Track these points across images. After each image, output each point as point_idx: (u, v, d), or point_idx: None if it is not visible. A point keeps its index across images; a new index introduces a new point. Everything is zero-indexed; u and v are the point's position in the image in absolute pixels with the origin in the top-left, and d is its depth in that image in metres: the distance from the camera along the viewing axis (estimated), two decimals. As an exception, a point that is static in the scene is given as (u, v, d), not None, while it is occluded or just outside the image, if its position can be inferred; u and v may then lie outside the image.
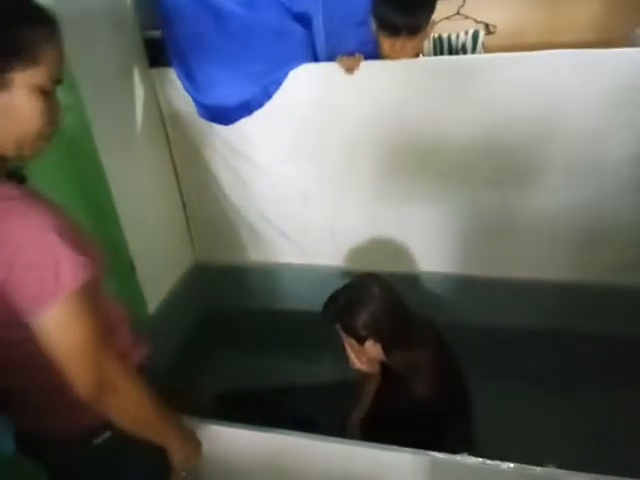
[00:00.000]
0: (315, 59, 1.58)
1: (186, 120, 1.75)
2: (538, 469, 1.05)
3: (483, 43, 1.95)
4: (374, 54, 1.53)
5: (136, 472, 0.97)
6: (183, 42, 1.60)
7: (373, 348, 1.23)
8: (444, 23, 2.07)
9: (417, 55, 1.57)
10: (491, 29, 2.07)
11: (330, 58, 1.55)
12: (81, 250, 0.72)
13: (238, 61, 1.57)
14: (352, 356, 1.30)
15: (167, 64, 1.66)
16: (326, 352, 1.35)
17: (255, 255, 2.01)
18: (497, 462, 1.07)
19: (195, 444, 1.05)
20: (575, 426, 1.59)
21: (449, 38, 1.98)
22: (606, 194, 1.57)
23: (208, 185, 1.89)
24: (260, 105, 1.65)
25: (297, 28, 1.54)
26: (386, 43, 1.47)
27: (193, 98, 1.67)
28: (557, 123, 1.49)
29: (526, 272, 1.76)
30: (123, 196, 1.50)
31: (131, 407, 0.83)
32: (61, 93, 0.76)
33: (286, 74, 1.59)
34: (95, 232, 1.39)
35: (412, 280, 1.87)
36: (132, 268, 1.56)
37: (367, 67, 1.51)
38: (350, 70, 1.52)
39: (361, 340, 1.23)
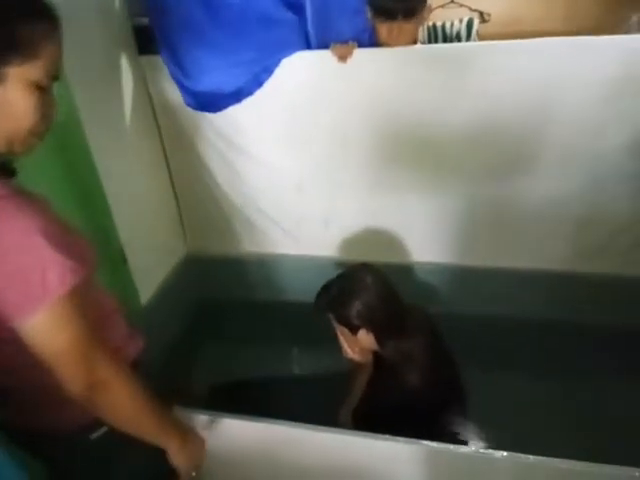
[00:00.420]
0: (308, 47, 1.56)
1: (177, 109, 1.73)
2: (531, 457, 1.05)
3: (477, 31, 1.94)
4: (368, 42, 1.51)
5: (137, 465, 0.96)
6: (172, 29, 1.57)
7: (366, 338, 1.23)
8: (438, 11, 2.05)
9: (414, 41, 1.56)
10: (485, 17, 2.06)
11: (323, 46, 1.53)
12: (70, 253, 0.70)
13: (229, 49, 1.54)
14: (345, 346, 1.30)
15: (157, 52, 1.63)
16: (320, 342, 1.34)
17: (248, 246, 2.00)
18: (491, 451, 1.07)
19: (197, 443, 1.03)
20: (571, 414, 1.60)
21: (443, 26, 1.96)
22: (602, 183, 1.57)
23: (200, 175, 1.87)
24: (250, 93, 1.63)
25: (289, 15, 1.51)
26: (383, 29, 1.46)
27: (180, 85, 1.64)
28: (553, 111, 1.49)
29: (521, 262, 1.77)
30: (114, 187, 1.49)
31: (124, 406, 0.81)
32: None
33: (278, 62, 1.57)
34: (86, 224, 1.38)
35: (407, 270, 1.87)
36: (123, 260, 1.55)
37: (361, 55, 1.50)
38: (343, 58, 1.50)
39: (354, 330, 1.23)
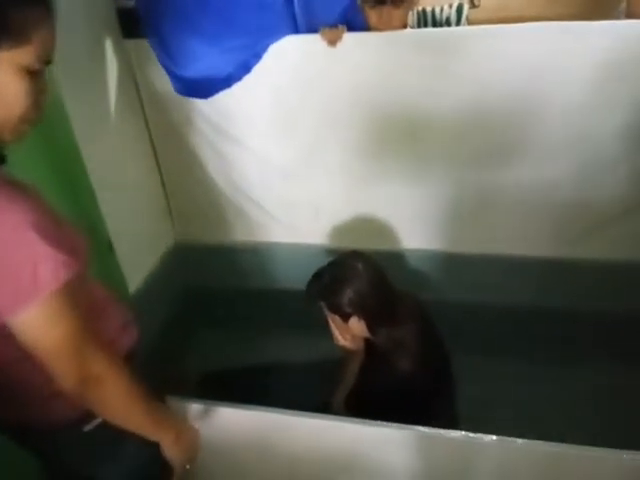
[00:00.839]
0: (296, 31, 1.53)
1: (164, 95, 1.70)
2: (520, 441, 1.07)
3: (467, 17, 1.92)
4: (358, 26, 1.49)
5: (136, 453, 0.95)
6: (159, 14, 1.53)
7: (357, 325, 1.23)
8: (428, -4, 2.03)
9: (404, 26, 1.54)
10: (475, 2, 2.04)
11: (312, 30, 1.51)
12: (62, 246, 0.69)
13: (217, 34, 1.52)
14: (337, 333, 1.30)
15: (142, 35, 1.59)
16: (311, 330, 1.35)
17: (237, 234, 1.99)
18: (480, 435, 1.08)
19: (191, 435, 1.02)
20: (559, 399, 1.63)
21: (433, 11, 1.94)
22: (590, 168, 1.58)
23: (188, 162, 1.84)
24: (239, 79, 1.61)
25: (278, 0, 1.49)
26: (373, 14, 1.45)
27: (169, 71, 1.62)
28: (541, 97, 1.49)
29: (510, 249, 1.78)
30: (100, 175, 1.46)
31: (117, 401, 0.81)
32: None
33: (266, 47, 1.54)
34: (72, 213, 1.35)
35: (396, 257, 1.87)
36: (111, 248, 1.53)
37: (350, 39, 1.48)
38: (332, 42, 1.48)
39: (345, 317, 1.23)
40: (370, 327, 1.24)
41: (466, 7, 1.92)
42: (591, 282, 1.74)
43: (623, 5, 1.69)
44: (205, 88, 1.63)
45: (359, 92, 1.57)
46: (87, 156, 1.40)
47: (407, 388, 1.21)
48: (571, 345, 1.75)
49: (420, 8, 1.93)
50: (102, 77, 1.56)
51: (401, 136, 1.63)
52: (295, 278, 1.87)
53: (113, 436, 0.89)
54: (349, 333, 1.28)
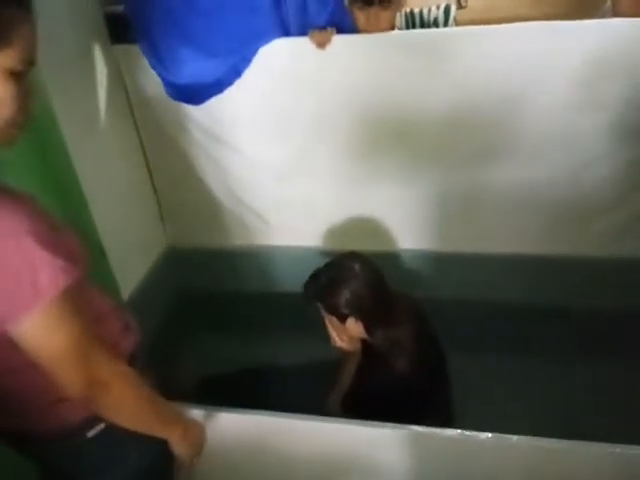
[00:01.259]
0: (285, 34, 1.54)
1: (154, 100, 1.69)
2: (515, 438, 1.08)
3: (455, 18, 1.93)
4: (347, 28, 1.50)
5: (139, 458, 0.94)
6: (149, 19, 1.53)
7: (355, 326, 1.23)
8: (416, -3, 2.04)
9: (392, 27, 1.55)
10: (462, 3, 2.06)
11: (301, 33, 1.51)
12: (61, 252, 0.68)
13: (205, 38, 1.51)
14: (334, 334, 1.30)
15: (131, 41, 1.59)
16: (306, 333, 1.35)
17: (230, 237, 1.98)
18: (475, 432, 1.09)
19: (197, 430, 1.02)
20: (552, 395, 1.64)
21: (421, 13, 1.95)
22: (579, 166, 1.59)
23: (179, 167, 1.84)
24: (230, 83, 1.61)
25: (266, 3, 1.49)
26: (361, 16, 1.46)
27: (161, 77, 1.61)
28: (529, 96, 1.50)
29: (501, 247, 1.79)
30: (91, 181, 1.46)
31: (126, 404, 0.81)
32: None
33: (256, 51, 1.54)
34: (63, 219, 1.32)
35: (390, 258, 1.87)
36: (102, 253, 1.52)
37: (339, 41, 1.48)
38: (322, 45, 1.49)
39: (343, 318, 1.23)
40: (367, 328, 1.24)
41: (453, 8, 1.93)
42: (581, 279, 1.76)
43: (608, 4, 1.71)
44: (197, 94, 1.63)
45: (349, 94, 1.58)
46: (78, 162, 1.39)
47: (404, 388, 1.22)
48: (562, 341, 1.76)
49: (408, 9, 1.94)
50: (91, 83, 1.55)
51: (391, 137, 1.64)
52: (289, 280, 1.88)
53: (116, 441, 0.89)
54: (346, 334, 1.28)
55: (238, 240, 1.98)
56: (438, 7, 1.94)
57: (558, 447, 1.07)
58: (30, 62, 0.67)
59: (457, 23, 1.92)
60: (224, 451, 1.20)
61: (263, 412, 1.17)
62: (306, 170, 1.75)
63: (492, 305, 1.84)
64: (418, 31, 1.74)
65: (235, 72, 1.59)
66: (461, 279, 1.84)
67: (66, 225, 0.79)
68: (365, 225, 1.83)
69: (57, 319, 0.69)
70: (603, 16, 1.76)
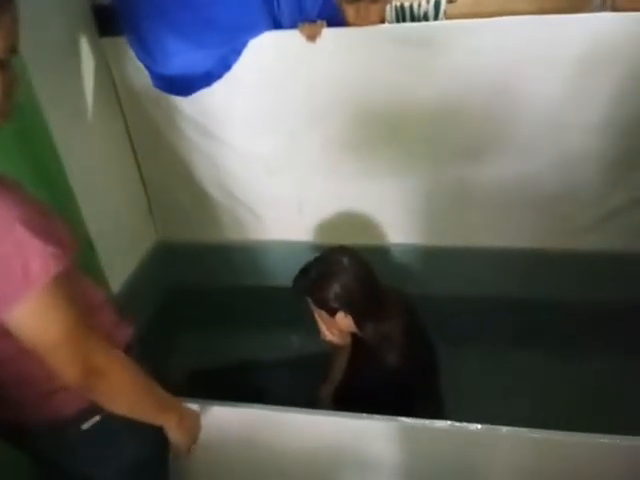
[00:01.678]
0: (275, 27, 1.53)
1: (142, 93, 1.68)
2: (504, 429, 1.09)
3: (445, 11, 1.93)
4: (338, 22, 1.49)
5: (135, 450, 0.95)
6: (137, 11, 1.51)
7: (344, 320, 1.24)
8: (406, -9, 2.04)
9: (382, 21, 1.55)
10: (452, -3, 2.05)
11: (291, 26, 1.50)
12: (50, 239, 0.68)
13: (195, 30, 1.50)
14: (323, 328, 1.31)
15: (119, 33, 1.57)
16: (296, 327, 1.35)
17: (220, 232, 1.97)
18: (465, 424, 1.10)
19: (193, 416, 1.02)
20: (543, 388, 1.65)
21: (411, 7, 1.95)
22: (570, 160, 1.60)
23: (168, 160, 1.83)
24: (219, 76, 1.60)
25: (257, -5, 1.48)
26: (350, 10, 1.45)
27: (148, 68, 1.60)
28: (520, 91, 1.50)
29: (492, 241, 1.80)
30: (78, 174, 1.44)
31: (123, 391, 0.81)
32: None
33: (245, 43, 1.53)
34: (50, 211, 1.33)
35: (381, 252, 1.88)
36: (91, 247, 1.51)
37: (329, 34, 1.48)
38: (312, 38, 1.48)
39: (332, 312, 1.23)
40: (357, 322, 1.24)
41: (444, 2, 1.93)
42: (574, 273, 1.77)
43: (597, -1, 1.72)
44: (185, 85, 1.62)
45: (339, 87, 1.57)
46: (65, 156, 1.38)
47: (394, 381, 1.22)
48: (555, 335, 1.78)
49: (398, 3, 1.93)
50: (79, 76, 1.54)
51: (382, 131, 1.64)
52: (279, 275, 1.88)
53: (112, 433, 0.89)
54: (336, 328, 1.28)
55: (228, 234, 1.97)
56: (428, 1, 1.94)
57: (549, 438, 1.08)
58: (12, 50, 0.66)
59: (447, 17, 1.92)
60: (215, 444, 1.19)
61: (253, 405, 1.17)
62: (297, 164, 1.75)
63: (483, 299, 1.85)
64: (408, 25, 1.73)
65: (224, 65, 1.57)
66: (452, 273, 1.85)
67: (54, 212, 0.78)
68: (356, 219, 1.83)
69: (50, 306, 0.68)
70: (593, 10, 1.77)
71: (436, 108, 1.57)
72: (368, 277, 1.26)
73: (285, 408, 1.16)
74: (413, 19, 1.95)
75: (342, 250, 1.28)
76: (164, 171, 1.87)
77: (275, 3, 1.49)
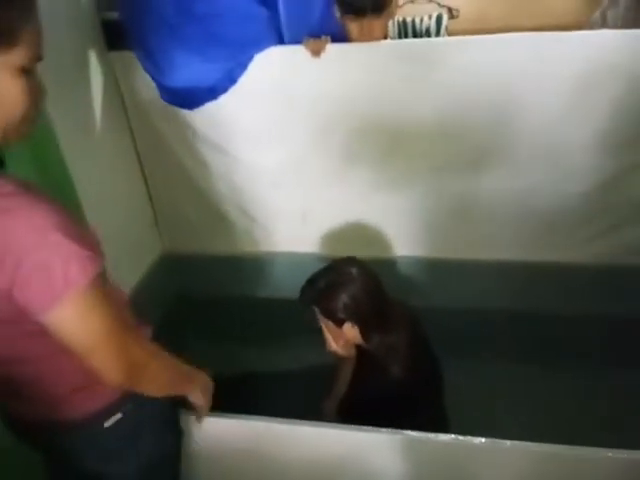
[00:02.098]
0: (281, 42, 1.55)
1: (149, 106, 1.70)
2: (509, 443, 1.09)
3: (447, 27, 1.96)
4: (343, 37, 1.52)
5: (154, 446, 0.99)
6: (143, 24, 1.53)
7: (351, 331, 1.24)
8: (408, 7, 2.07)
9: (385, 37, 1.57)
10: (454, 13, 2.08)
11: (296, 41, 1.53)
12: (85, 243, 0.71)
13: (202, 44, 1.52)
14: (329, 339, 1.31)
15: (127, 47, 1.59)
16: (301, 339, 1.35)
17: (225, 243, 1.98)
18: (469, 437, 1.10)
19: (203, 377, 1.07)
20: (546, 401, 1.65)
21: (413, 22, 1.98)
22: (567, 176, 1.61)
23: (174, 173, 1.84)
24: (225, 90, 1.61)
25: (262, 10, 1.50)
26: (354, 27, 1.47)
27: (156, 81, 1.61)
28: (520, 106, 1.52)
29: (496, 254, 1.80)
30: (85, 186, 1.45)
31: (160, 377, 0.88)
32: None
33: (251, 58, 1.55)
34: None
35: (383, 264, 1.87)
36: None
37: (334, 50, 1.50)
38: (316, 53, 1.50)
39: (339, 323, 1.23)
40: (363, 333, 1.24)
41: (445, 18, 1.96)
42: (573, 285, 1.77)
43: (597, 16, 1.74)
44: (192, 98, 1.64)
45: (343, 101, 1.59)
46: (73, 168, 1.39)
47: (398, 393, 1.22)
48: (557, 347, 1.78)
49: (400, 19, 1.97)
50: (87, 89, 1.55)
51: (385, 145, 1.65)
52: (284, 286, 1.88)
53: (133, 431, 0.93)
54: (343, 339, 1.28)
55: (233, 246, 1.98)
56: (430, 17, 1.97)
57: (552, 452, 1.08)
58: (37, 59, 0.70)
59: (449, 33, 1.95)
60: (218, 456, 1.19)
61: (258, 417, 1.17)
62: (302, 177, 1.76)
63: (485, 311, 1.85)
64: (411, 40, 1.76)
65: (230, 78, 1.59)
66: (455, 286, 1.85)
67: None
68: (361, 232, 1.84)
69: (90, 307, 0.71)
70: (591, 27, 1.79)
71: (438, 122, 1.58)
72: (376, 289, 1.26)
73: (289, 420, 1.16)
74: (415, 34, 1.98)
75: (350, 261, 1.28)
76: (170, 183, 1.88)
77: (281, 18, 1.52)
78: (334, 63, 1.52)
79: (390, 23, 1.80)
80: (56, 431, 0.90)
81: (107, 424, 0.89)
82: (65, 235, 0.68)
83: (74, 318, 0.70)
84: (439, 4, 2.10)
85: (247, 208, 1.87)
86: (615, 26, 1.67)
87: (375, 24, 1.47)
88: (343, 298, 1.20)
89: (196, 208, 1.91)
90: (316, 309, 1.26)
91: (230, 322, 1.98)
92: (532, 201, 1.68)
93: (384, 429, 1.12)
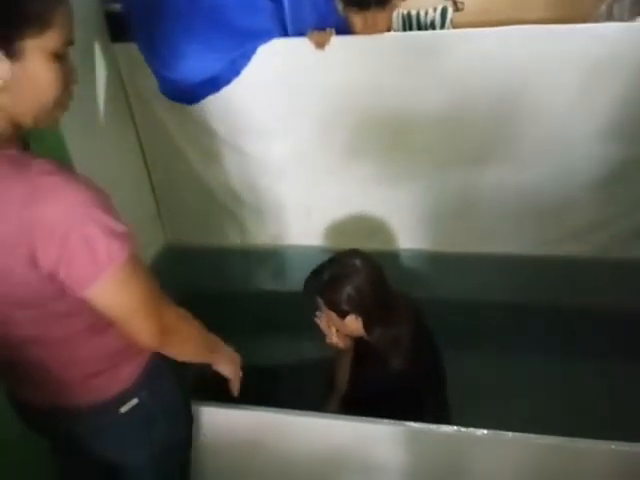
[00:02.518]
0: (285, 34, 1.55)
1: (153, 98, 1.69)
2: (511, 434, 1.09)
3: (451, 20, 1.95)
4: (345, 29, 1.51)
5: (168, 433, 0.99)
6: (147, 14, 1.52)
7: (354, 323, 1.24)
8: (412, -1, 2.06)
9: (389, 29, 1.56)
10: (459, 6, 2.07)
11: (300, 33, 1.52)
12: (121, 220, 0.73)
13: (207, 33, 1.51)
14: (328, 332, 1.31)
15: (130, 39, 1.59)
16: (304, 331, 1.35)
17: (229, 236, 1.98)
18: (472, 429, 1.11)
19: (229, 349, 1.10)
20: (547, 393, 1.66)
21: (418, 15, 1.97)
22: (572, 170, 1.61)
23: (177, 165, 1.84)
24: (228, 81, 1.61)
25: (266, 2, 1.50)
26: (357, 20, 1.46)
27: (156, 73, 1.61)
28: (525, 99, 1.51)
29: (499, 247, 1.80)
30: (88, 178, 1.46)
31: (190, 341, 0.91)
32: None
33: (255, 49, 1.55)
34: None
35: (386, 257, 1.87)
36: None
37: (337, 42, 1.49)
38: (321, 45, 1.49)
39: (343, 315, 1.24)
40: (366, 326, 1.25)
41: (450, 10, 1.95)
42: (576, 279, 1.77)
43: (603, 8, 1.73)
44: (193, 92, 1.63)
45: (347, 94, 1.59)
46: (76, 160, 1.40)
47: (400, 386, 1.23)
48: (561, 340, 1.78)
49: (405, 12, 1.95)
50: (91, 81, 1.55)
51: (389, 137, 1.65)
52: (288, 279, 1.89)
53: (148, 418, 0.94)
54: (345, 331, 1.28)
55: (237, 238, 1.98)
56: (435, 9, 1.96)
57: (553, 444, 1.08)
58: (69, 42, 0.70)
59: (454, 25, 1.94)
60: (221, 446, 1.20)
61: (260, 408, 1.18)
62: (305, 169, 1.76)
63: (488, 304, 1.86)
64: (415, 33, 1.75)
65: (233, 70, 1.59)
66: (458, 279, 1.86)
67: None
68: (364, 224, 1.84)
69: (128, 279, 0.74)
70: (597, 20, 1.78)
71: (441, 116, 1.58)
72: (380, 281, 1.26)
73: (292, 411, 1.17)
74: (420, 27, 1.96)
75: (355, 253, 1.28)
76: (173, 175, 1.89)
77: (285, 10, 1.51)
78: (338, 55, 1.52)
79: (394, 16, 1.79)
80: (70, 418, 0.90)
81: (123, 410, 0.90)
82: (105, 212, 0.70)
83: (115, 291, 0.73)
84: (444, -4, 2.08)
85: (251, 200, 1.87)
86: (621, 19, 1.66)
87: (379, 17, 1.46)
88: (347, 290, 1.21)
89: (199, 200, 1.91)
90: (320, 300, 1.26)
91: (232, 314, 1.98)
92: (535, 194, 1.68)
93: (386, 420, 1.13)
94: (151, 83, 1.65)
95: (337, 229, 1.87)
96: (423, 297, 1.44)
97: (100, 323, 0.82)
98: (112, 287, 0.72)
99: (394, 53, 1.50)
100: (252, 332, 1.89)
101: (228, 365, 1.08)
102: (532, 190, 1.67)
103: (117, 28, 1.61)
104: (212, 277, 2.02)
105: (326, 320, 1.30)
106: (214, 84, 1.61)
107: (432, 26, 1.95)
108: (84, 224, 0.68)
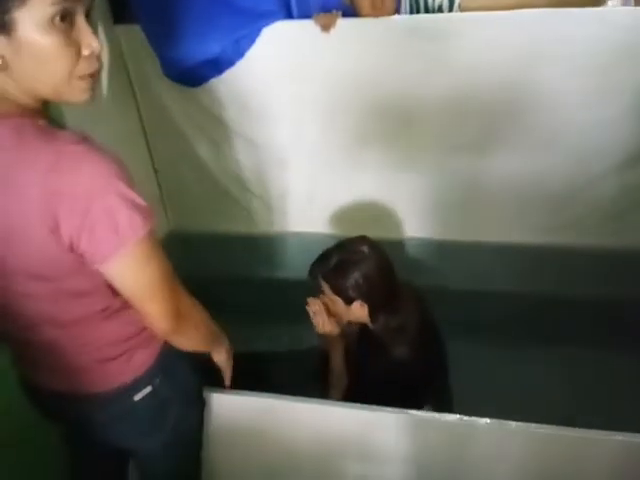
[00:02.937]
0: (290, 16, 1.52)
1: (156, 81, 1.68)
2: (514, 424, 1.09)
3: (459, 4, 1.91)
4: (351, 12, 1.48)
5: (179, 420, 0.99)
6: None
7: (359, 310, 1.23)
8: (421, -18, 2.02)
9: (396, 12, 1.53)
10: (468, -11, 2.03)
11: (306, 16, 1.49)
12: (141, 196, 0.72)
13: (211, 12, 1.48)
14: (318, 322, 1.30)
15: (133, 21, 1.57)
16: (308, 319, 1.34)
17: (232, 222, 1.97)
18: (474, 418, 1.10)
19: (225, 339, 1.09)
20: (553, 382, 1.66)
21: (425, -2, 1.94)
22: (582, 158, 1.59)
23: (181, 151, 1.83)
24: (231, 63, 1.58)
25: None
26: (365, 2, 1.44)
27: (159, 54, 1.59)
28: (535, 84, 1.49)
29: (503, 236, 1.79)
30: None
31: (199, 329, 0.90)
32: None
33: (259, 30, 1.52)
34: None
35: (391, 245, 1.84)
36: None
37: (343, 25, 1.46)
38: (326, 28, 1.47)
39: (349, 301, 1.23)
40: (371, 313, 1.24)
41: (458, -7, 1.91)
42: (583, 268, 1.76)
43: (613, -8, 1.69)
44: (195, 73, 1.61)
45: (352, 78, 1.56)
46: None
47: (403, 375, 1.22)
48: (564, 330, 1.78)
49: (413, -6, 1.92)
50: (92, 63, 1.54)
51: (394, 123, 1.63)
52: (292, 266, 1.88)
53: (161, 406, 0.94)
54: (349, 317, 1.27)
55: (240, 225, 1.97)
56: (443, -7, 1.92)
57: (556, 434, 1.08)
58: (67, 8, 0.64)
59: (462, 9, 1.90)
60: (222, 432, 1.20)
61: (261, 394, 1.18)
62: (309, 155, 1.74)
63: (494, 293, 1.84)
64: (422, 16, 1.71)
65: (237, 51, 1.56)
66: (464, 267, 1.84)
67: None
68: (369, 212, 1.82)
69: (148, 255, 0.73)
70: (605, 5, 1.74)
71: (449, 101, 1.55)
72: (388, 269, 1.25)
73: (294, 398, 1.17)
74: (427, 11, 1.92)
75: (363, 239, 1.27)
76: (176, 161, 1.87)
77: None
78: (344, 38, 1.49)
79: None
80: (83, 404, 0.90)
81: (137, 397, 0.90)
82: (127, 185, 0.69)
83: (134, 266, 0.72)
84: (452, -20, 2.04)
85: (253, 187, 1.86)
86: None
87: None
88: (355, 276, 1.19)
89: (203, 186, 1.90)
90: (326, 284, 1.25)
91: (234, 301, 1.98)
92: (544, 184, 1.66)
93: (389, 408, 1.13)
94: (154, 65, 1.63)
95: (341, 216, 1.86)
96: (427, 285, 1.43)
97: (114, 306, 0.81)
98: (132, 263, 0.72)
99: (401, 36, 1.48)
100: (255, 319, 1.89)
101: (224, 355, 1.08)
102: (541, 179, 1.64)
103: (119, 9, 1.58)
104: (215, 264, 2.01)
105: (329, 305, 1.29)
106: (217, 65, 1.59)
107: (440, 9, 1.92)
108: (107, 194, 0.67)
